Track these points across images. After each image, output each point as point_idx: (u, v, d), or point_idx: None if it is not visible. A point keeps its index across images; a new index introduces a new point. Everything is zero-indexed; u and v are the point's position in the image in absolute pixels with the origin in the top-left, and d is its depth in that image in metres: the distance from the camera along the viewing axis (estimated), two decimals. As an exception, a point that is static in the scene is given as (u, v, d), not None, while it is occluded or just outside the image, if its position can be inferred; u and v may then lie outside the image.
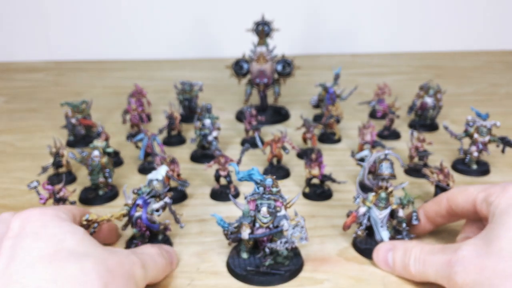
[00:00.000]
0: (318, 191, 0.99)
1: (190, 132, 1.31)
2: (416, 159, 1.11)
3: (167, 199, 0.77)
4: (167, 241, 0.81)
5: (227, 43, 1.97)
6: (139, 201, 0.74)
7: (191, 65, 1.95)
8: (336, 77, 1.32)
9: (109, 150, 1.03)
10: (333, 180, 1.00)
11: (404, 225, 0.79)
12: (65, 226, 0.61)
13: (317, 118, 1.36)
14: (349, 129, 1.30)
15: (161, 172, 0.78)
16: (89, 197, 1.01)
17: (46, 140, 1.23)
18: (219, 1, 1.96)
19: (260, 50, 1.31)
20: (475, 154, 1.09)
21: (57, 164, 1.08)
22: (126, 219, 0.79)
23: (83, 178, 1.08)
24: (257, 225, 0.74)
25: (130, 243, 0.79)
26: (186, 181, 1.01)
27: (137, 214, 0.75)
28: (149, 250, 0.70)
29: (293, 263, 0.76)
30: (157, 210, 0.76)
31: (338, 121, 1.32)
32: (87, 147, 1.05)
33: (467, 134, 1.09)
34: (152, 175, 0.78)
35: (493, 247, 0.58)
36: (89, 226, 0.72)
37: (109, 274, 0.57)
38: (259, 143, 1.09)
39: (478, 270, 0.58)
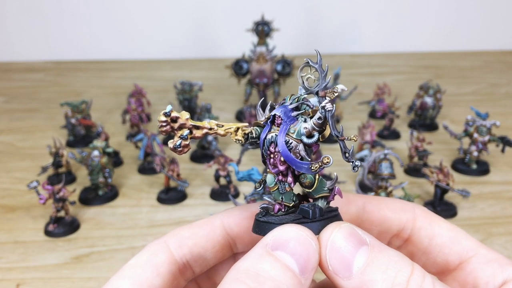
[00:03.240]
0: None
1: (190, 132, 1.31)
2: (415, 159, 1.11)
3: (326, 104, 0.36)
4: None
5: (227, 43, 1.97)
6: (278, 112, 0.39)
7: (191, 65, 1.95)
8: (336, 77, 1.32)
9: (109, 150, 1.03)
10: (333, 180, 1.00)
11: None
12: None
13: (317, 118, 1.36)
14: (349, 129, 1.30)
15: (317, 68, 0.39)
16: (89, 197, 1.01)
17: (46, 140, 1.23)
18: (219, 1, 1.96)
19: (260, 50, 1.31)
20: (475, 153, 1.09)
21: (57, 164, 1.08)
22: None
23: (83, 178, 1.08)
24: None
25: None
26: (186, 181, 1.01)
27: (270, 135, 0.40)
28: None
29: None
30: (310, 136, 0.38)
31: (338, 121, 1.32)
32: (87, 147, 1.05)
33: (467, 133, 1.10)
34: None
35: None
36: (170, 129, 0.37)
37: None
38: (259, 143, 1.09)
39: None
